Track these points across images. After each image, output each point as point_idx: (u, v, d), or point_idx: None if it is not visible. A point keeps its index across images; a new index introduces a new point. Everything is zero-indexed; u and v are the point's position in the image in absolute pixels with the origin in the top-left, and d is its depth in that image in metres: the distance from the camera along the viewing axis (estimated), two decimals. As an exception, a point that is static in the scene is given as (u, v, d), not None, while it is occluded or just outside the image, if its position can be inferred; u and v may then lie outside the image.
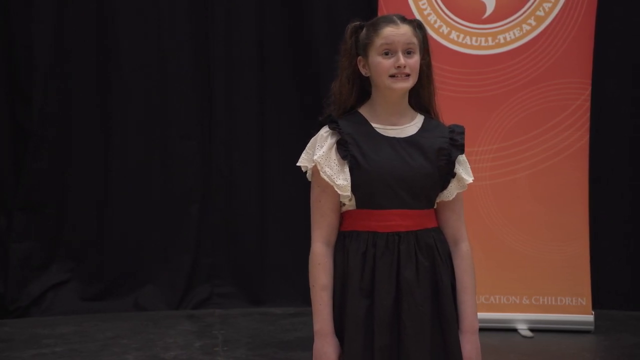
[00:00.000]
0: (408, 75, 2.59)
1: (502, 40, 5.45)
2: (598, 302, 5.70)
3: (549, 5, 5.43)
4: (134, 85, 6.32)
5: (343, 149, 2.58)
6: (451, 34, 5.45)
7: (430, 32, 5.16)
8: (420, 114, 2.69)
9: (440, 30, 5.45)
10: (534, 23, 5.44)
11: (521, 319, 5.51)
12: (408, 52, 2.59)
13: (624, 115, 6.24)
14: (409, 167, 2.58)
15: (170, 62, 6.35)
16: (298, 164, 2.66)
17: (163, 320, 5.95)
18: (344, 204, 2.63)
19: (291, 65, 6.41)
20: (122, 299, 6.26)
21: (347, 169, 2.58)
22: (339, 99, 2.67)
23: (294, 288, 6.11)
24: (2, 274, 6.16)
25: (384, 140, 2.61)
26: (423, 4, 5.46)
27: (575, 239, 5.48)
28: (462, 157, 2.67)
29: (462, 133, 2.67)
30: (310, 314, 2.64)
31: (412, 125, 2.65)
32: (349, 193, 2.58)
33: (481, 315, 2.82)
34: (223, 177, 6.43)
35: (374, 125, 2.63)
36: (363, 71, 2.65)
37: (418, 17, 5.24)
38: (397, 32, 2.59)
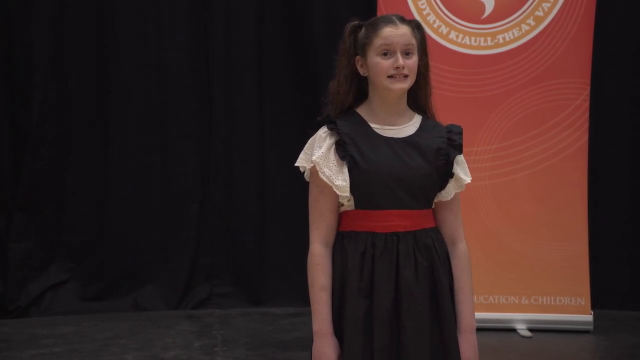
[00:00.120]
0: (406, 76, 2.59)
1: (501, 40, 5.45)
2: (597, 302, 5.70)
3: (548, 5, 5.43)
4: (133, 85, 6.31)
5: (342, 149, 2.58)
6: (450, 34, 5.45)
7: (429, 32, 5.22)
8: (418, 114, 2.69)
9: (440, 30, 5.45)
10: (533, 23, 5.44)
11: (520, 319, 5.51)
12: (407, 53, 2.59)
13: (623, 115, 6.24)
14: (407, 167, 2.58)
15: (170, 62, 6.34)
16: (296, 165, 2.65)
17: (162, 320, 5.95)
18: (343, 204, 2.62)
19: (291, 65, 6.40)
20: (121, 299, 6.26)
21: (346, 170, 2.57)
22: (337, 99, 2.66)
23: (294, 288, 6.10)
24: (2, 274, 6.16)
25: (382, 141, 2.60)
26: (422, 4, 5.46)
27: (575, 239, 5.48)
28: (460, 157, 2.67)
29: (460, 133, 2.67)
30: (309, 314, 2.64)
31: (410, 126, 2.65)
32: (347, 194, 2.58)
33: (480, 315, 2.82)
34: (223, 177, 6.43)
35: (372, 125, 2.63)
36: (361, 71, 2.64)
37: (417, 17, 5.25)
38: (396, 33, 2.59)
